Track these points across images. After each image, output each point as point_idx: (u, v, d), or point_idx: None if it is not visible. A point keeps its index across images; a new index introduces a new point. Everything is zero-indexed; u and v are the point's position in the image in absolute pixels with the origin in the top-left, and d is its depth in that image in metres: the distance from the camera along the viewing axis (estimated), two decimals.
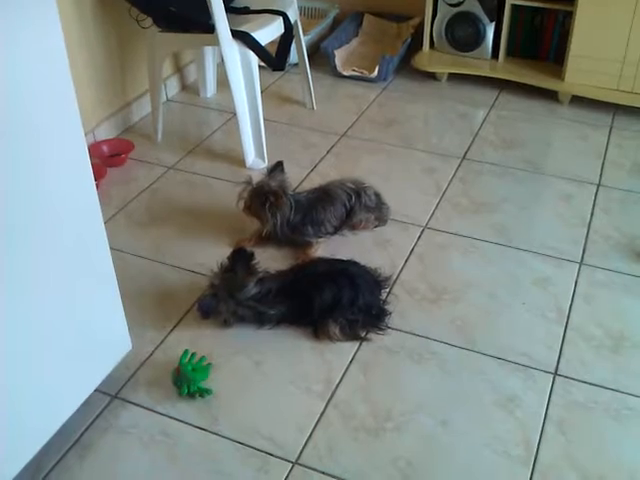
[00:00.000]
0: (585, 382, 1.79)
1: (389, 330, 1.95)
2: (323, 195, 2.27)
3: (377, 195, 2.32)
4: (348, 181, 2.30)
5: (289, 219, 2.19)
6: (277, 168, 2.23)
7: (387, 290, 2.06)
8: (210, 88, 3.17)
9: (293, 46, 2.81)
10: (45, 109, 1.33)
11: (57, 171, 1.39)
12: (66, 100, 1.37)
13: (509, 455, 1.62)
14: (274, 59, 2.65)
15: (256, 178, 2.21)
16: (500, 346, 1.89)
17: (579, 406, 1.73)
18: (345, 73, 3.29)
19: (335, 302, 1.90)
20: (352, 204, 2.25)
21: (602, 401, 1.74)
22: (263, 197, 2.15)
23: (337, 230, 2.29)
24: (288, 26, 2.66)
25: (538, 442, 1.65)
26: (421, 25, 3.37)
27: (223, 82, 2.69)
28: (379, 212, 2.32)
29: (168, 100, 3.13)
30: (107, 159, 2.68)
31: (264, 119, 2.64)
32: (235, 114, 2.59)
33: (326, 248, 2.23)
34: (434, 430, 1.68)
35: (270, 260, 2.13)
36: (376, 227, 2.34)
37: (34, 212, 1.35)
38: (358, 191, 2.26)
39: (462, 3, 3.16)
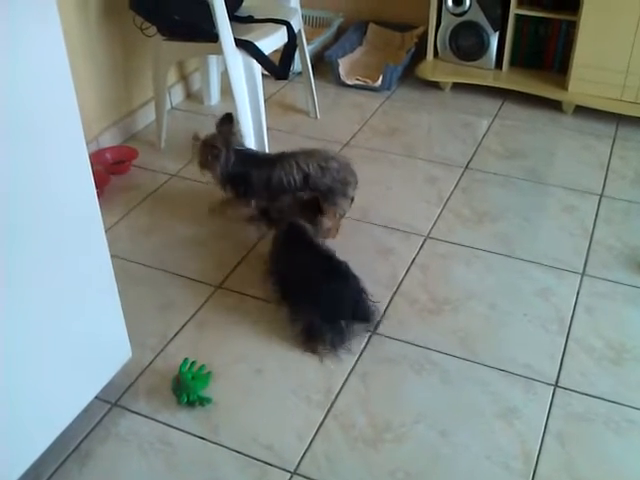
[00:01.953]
0: (585, 394, 1.78)
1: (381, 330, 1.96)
2: (269, 162, 2.22)
3: (350, 178, 2.25)
4: (316, 155, 2.22)
5: (226, 170, 2.18)
6: (225, 121, 2.23)
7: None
8: (214, 96, 3.18)
9: (297, 55, 2.82)
10: (47, 117, 1.33)
11: (58, 178, 1.39)
12: (68, 108, 1.38)
13: (509, 467, 1.61)
14: (278, 68, 2.66)
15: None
16: (501, 357, 1.89)
17: (579, 418, 1.72)
18: (349, 82, 3.30)
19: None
20: (296, 187, 2.19)
21: (602, 413, 1.73)
22: (206, 150, 2.19)
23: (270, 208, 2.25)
24: (292, 35, 2.67)
25: (538, 454, 1.64)
26: (425, 34, 3.38)
27: (227, 90, 2.70)
28: (332, 197, 2.22)
29: (172, 108, 3.14)
30: (111, 166, 2.69)
31: (267, 127, 2.65)
32: (238, 122, 2.59)
33: None
34: (434, 441, 1.67)
35: None
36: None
37: (34, 219, 1.35)
38: (308, 174, 2.17)
39: (466, 13, 3.17)
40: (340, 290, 1.94)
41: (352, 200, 2.29)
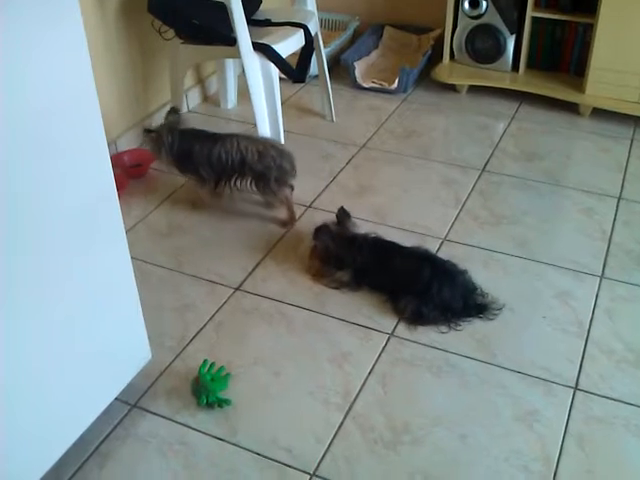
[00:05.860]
0: (605, 397, 1.78)
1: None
2: (213, 139, 2.32)
3: (287, 166, 2.29)
4: (257, 141, 2.31)
5: (172, 151, 2.31)
6: (172, 112, 2.41)
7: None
8: (231, 99, 3.19)
9: (313, 58, 2.83)
10: (69, 120, 1.34)
11: (81, 182, 1.40)
12: (90, 112, 1.39)
13: (528, 470, 1.60)
14: (294, 71, 2.67)
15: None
16: (520, 360, 1.88)
17: (599, 421, 1.71)
18: (365, 85, 3.31)
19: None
20: (233, 167, 2.28)
21: (622, 416, 1.72)
22: (151, 138, 2.35)
23: (217, 184, 2.35)
24: (309, 38, 2.68)
25: (558, 457, 1.63)
26: (441, 37, 3.38)
27: (244, 93, 2.71)
28: (266, 182, 2.29)
29: (189, 111, 3.16)
30: (128, 169, 2.70)
31: (284, 130, 2.66)
32: (255, 125, 2.61)
33: None
34: (452, 444, 1.67)
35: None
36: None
37: (56, 223, 1.36)
38: (244, 157, 2.25)
39: (482, 15, 3.17)
40: (451, 289, 2.01)
41: (292, 188, 2.35)
